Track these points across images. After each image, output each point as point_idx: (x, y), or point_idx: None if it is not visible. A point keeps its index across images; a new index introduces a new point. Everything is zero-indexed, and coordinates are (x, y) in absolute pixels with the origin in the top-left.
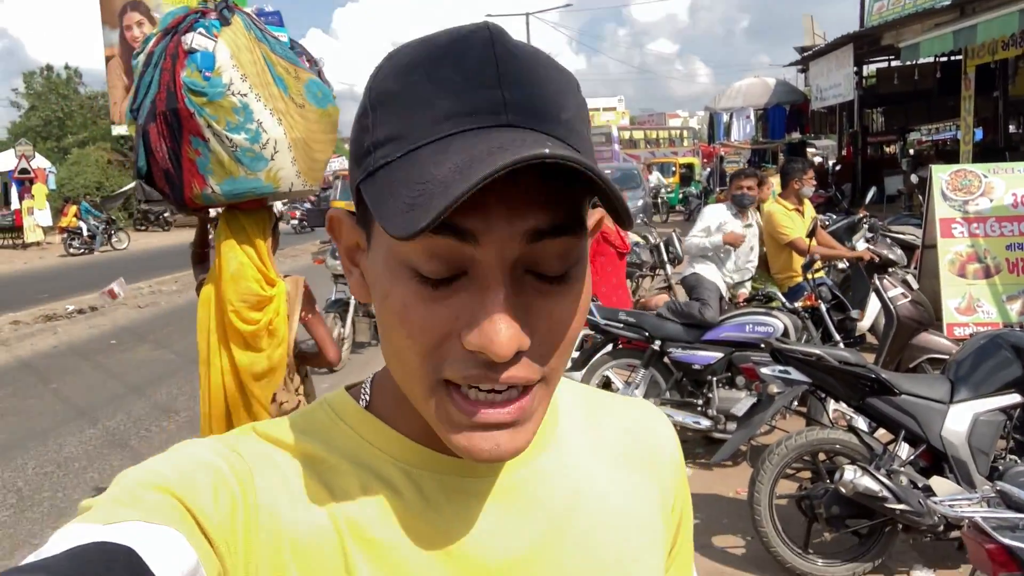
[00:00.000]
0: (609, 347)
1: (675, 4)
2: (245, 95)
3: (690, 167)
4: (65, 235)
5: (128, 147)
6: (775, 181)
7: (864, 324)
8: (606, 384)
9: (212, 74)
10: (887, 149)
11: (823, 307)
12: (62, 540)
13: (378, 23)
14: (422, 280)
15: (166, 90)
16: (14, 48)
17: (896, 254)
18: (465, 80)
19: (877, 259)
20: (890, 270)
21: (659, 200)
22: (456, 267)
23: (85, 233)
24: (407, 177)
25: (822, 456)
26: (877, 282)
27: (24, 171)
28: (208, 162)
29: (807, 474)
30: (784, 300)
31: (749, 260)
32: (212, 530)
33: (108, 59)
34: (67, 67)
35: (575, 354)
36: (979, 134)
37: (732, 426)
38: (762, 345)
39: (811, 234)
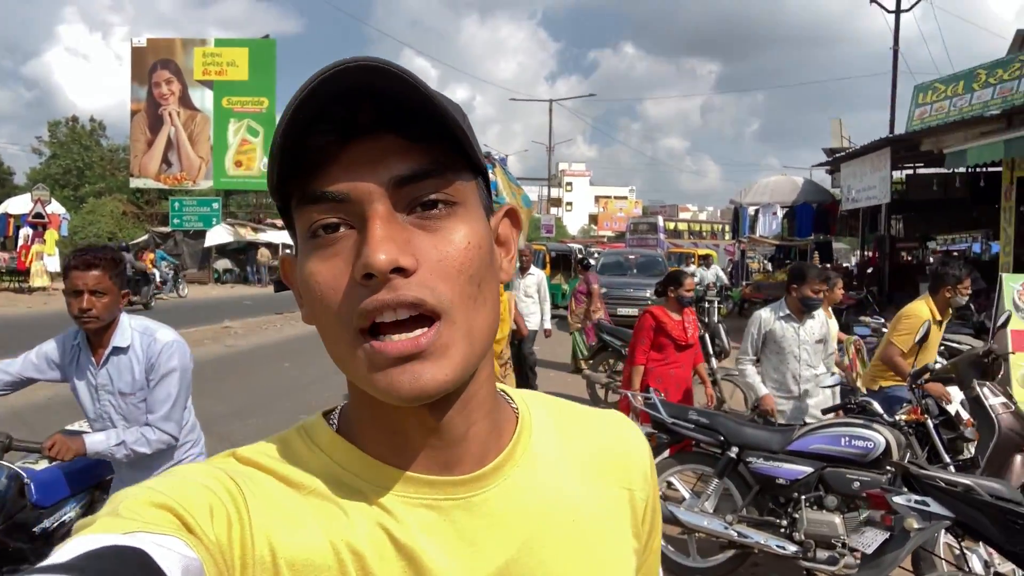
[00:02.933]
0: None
1: (687, 104)
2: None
3: (707, 258)
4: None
5: (144, 200)
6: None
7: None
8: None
9: (496, 193)
10: (905, 256)
11: (931, 423)
12: (72, 548)
13: None
14: (319, 241)
15: None
16: (44, 99)
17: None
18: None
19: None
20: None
21: (706, 304)
22: (344, 221)
23: (157, 279)
24: None
25: None
26: (979, 389)
27: (38, 216)
28: None
29: None
30: (881, 411)
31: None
32: (211, 545)
33: (133, 113)
34: (92, 119)
35: None
36: (995, 247)
37: (822, 554)
38: (888, 467)
39: (921, 341)
